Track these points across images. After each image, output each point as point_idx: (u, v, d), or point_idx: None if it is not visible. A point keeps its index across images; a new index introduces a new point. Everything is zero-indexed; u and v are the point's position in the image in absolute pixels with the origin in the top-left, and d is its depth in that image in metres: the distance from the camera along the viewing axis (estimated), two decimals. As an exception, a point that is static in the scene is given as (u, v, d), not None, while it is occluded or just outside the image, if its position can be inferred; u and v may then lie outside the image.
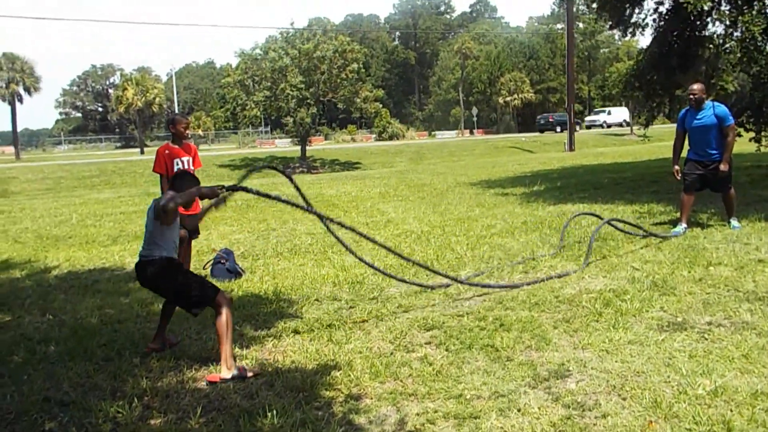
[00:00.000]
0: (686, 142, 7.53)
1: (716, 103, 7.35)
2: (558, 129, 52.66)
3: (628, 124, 59.13)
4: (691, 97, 7.30)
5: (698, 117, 7.23)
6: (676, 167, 7.60)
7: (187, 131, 6.30)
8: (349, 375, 3.81)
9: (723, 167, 7.14)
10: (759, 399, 3.17)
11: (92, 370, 4.09)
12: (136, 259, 4.21)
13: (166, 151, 6.18)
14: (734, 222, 7.36)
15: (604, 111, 64.47)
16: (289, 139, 46.72)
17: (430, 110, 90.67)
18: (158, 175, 6.33)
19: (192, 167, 6.24)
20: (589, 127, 60.06)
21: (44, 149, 76.98)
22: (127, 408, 3.47)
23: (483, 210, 10.46)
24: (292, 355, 4.24)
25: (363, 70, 35.92)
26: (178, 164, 6.15)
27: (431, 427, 3.13)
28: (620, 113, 62.31)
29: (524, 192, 12.70)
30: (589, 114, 67.72)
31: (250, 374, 3.88)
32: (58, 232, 10.90)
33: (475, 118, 67.45)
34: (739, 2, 10.62)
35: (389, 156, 36.93)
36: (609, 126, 59.84)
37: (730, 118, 7.24)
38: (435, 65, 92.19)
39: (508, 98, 72.32)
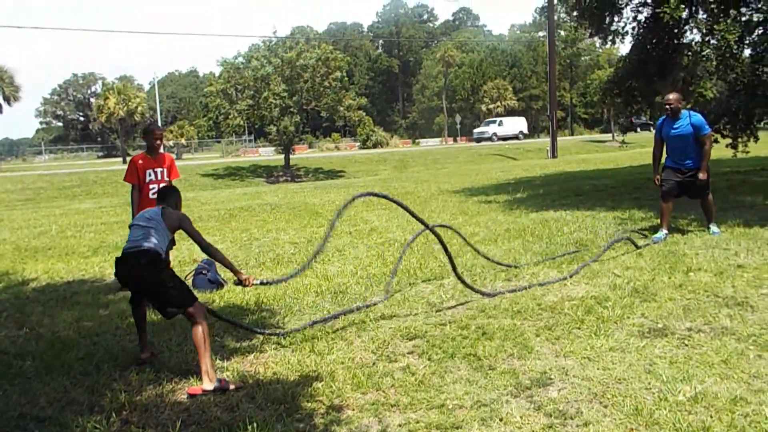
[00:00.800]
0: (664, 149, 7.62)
1: (692, 112, 7.42)
2: (638, 130, 50.26)
3: (525, 136, 52.14)
4: (667, 107, 7.38)
5: (675, 126, 7.31)
6: (657, 176, 7.66)
7: (159, 142, 6.22)
8: (331, 386, 3.78)
9: (702, 176, 7.21)
10: (738, 405, 3.19)
11: (69, 385, 4.02)
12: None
13: (140, 161, 6.11)
14: (714, 228, 7.43)
15: (494, 121, 56.03)
16: (273, 148, 46.61)
17: (414, 118, 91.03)
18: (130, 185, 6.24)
19: (167, 178, 6.18)
20: (478, 140, 53.10)
21: (24, 159, 76.09)
22: (105, 423, 3.42)
23: (466, 218, 10.48)
24: (273, 367, 4.20)
25: (346, 78, 35.99)
26: (150, 175, 6.07)
27: (413, 438, 3.11)
28: (515, 124, 53.97)
29: (507, 199, 12.75)
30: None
31: (231, 387, 3.84)
32: (37, 243, 10.74)
33: (458, 126, 67.79)
34: (715, 11, 10.78)
35: (373, 164, 36.94)
36: (502, 139, 51.67)
37: (707, 127, 7.32)
38: (418, 73, 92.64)
39: (491, 106, 72.80)
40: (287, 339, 4.71)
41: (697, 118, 7.30)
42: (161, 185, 6.07)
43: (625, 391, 3.45)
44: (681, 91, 12.68)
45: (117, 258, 4.18)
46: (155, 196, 6.01)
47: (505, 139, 51.06)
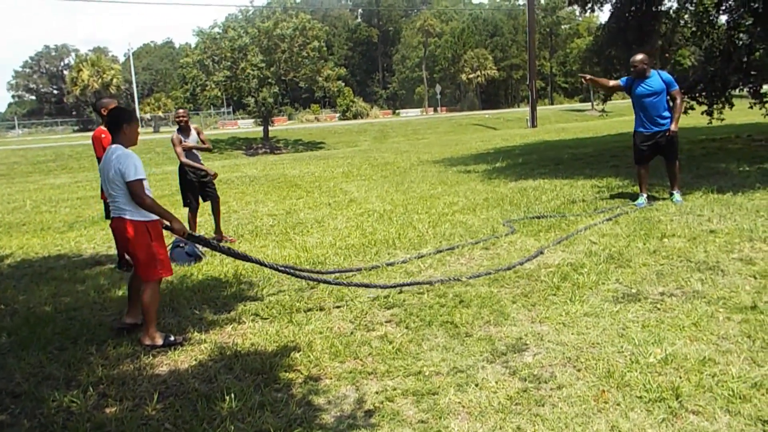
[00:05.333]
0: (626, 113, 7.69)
1: (660, 71, 7.51)
2: None
3: None
4: (633, 69, 7.40)
5: (646, 84, 7.34)
6: (589, 76, 7.77)
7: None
8: (309, 356, 3.80)
9: (673, 127, 7.29)
10: (707, 365, 3.26)
11: (45, 360, 4.00)
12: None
13: (103, 135, 5.98)
14: (677, 195, 7.49)
15: None
16: (252, 120, 46.11)
17: (394, 88, 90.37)
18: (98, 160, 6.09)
19: None
20: None
21: (-3, 134, 74.46)
22: (82, 397, 3.41)
23: (445, 188, 10.50)
24: (251, 338, 4.21)
25: (324, 49, 35.49)
26: None
27: (390, 404, 3.15)
28: None
29: (486, 169, 12.78)
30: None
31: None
32: (12, 219, 10.59)
33: (438, 96, 67.46)
34: (693, -23, 10.78)
35: (353, 135, 36.76)
36: None
37: (675, 83, 7.44)
38: (398, 43, 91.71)
39: (472, 75, 72.59)
40: (265, 311, 4.72)
41: (666, 75, 7.45)
42: None
43: (599, 354, 3.51)
44: (659, 58, 12.70)
45: None
46: None
47: None
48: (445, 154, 17.49)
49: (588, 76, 7.70)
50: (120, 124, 4.23)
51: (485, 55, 73.67)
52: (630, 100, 7.76)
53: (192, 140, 7.40)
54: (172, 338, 4.16)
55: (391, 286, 4.99)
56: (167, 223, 4.29)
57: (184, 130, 7.38)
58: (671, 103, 7.41)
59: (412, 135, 36.02)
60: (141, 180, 4.07)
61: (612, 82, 7.87)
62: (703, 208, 6.93)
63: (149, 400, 3.35)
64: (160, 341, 4.10)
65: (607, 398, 3.02)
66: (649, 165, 7.66)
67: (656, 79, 7.31)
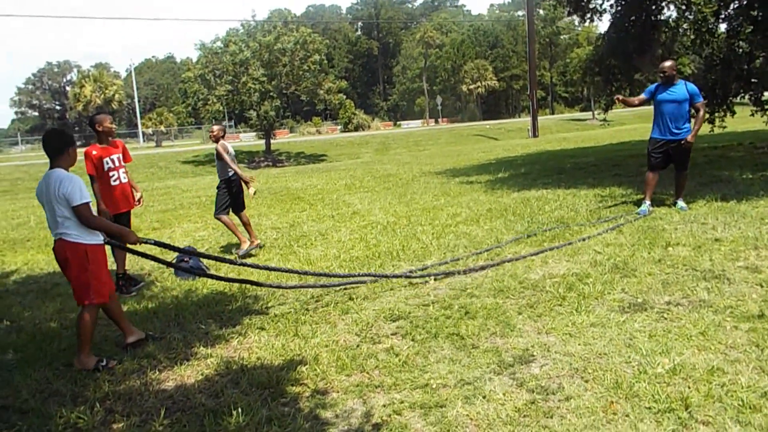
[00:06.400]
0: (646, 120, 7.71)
1: (687, 82, 7.58)
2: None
3: None
4: (661, 74, 7.47)
5: (671, 91, 7.41)
6: (620, 97, 7.95)
7: (102, 128, 6.09)
8: (316, 369, 3.79)
9: (690, 138, 7.35)
10: (715, 375, 3.25)
11: (52, 376, 4.00)
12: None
13: (94, 152, 5.98)
14: (681, 203, 7.57)
15: None
16: (254, 133, 46.25)
17: (395, 100, 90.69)
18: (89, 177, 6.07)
19: (123, 164, 6.14)
20: None
21: (0, 150, 74.76)
22: (89, 413, 3.41)
23: (448, 199, 10.50)
24: (257, 352, 4.20)
25: (325, 62, 35.61)
26: (107, 164, 5.99)
27: (397, 417, 3.14)
28: None
29: (489, 179, 12.78)
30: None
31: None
32: (16, 235, 10.60)
33: (439, 107, 67.64)
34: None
35: (355, 147, 36.85)
36: None
37: (701, 95, 7.51)
38: (398, 55, 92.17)
39: (472, 86, 72.84)
40: (271, 324, 4.72)
41: (693, 86, 7.51)
42: (120, 171, 6.06)
43: (606, 365, 3.50)
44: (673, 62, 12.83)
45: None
46: (117, 182, 6.02)
47: None
48: (447, 165, 17.51)
49: (620, 97, 7.86)
50: (62, 149, 4.21)
51: (485, 65, 73.99)
52: (632, 110, 7.81)
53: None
54: (104, 362, 4.10)
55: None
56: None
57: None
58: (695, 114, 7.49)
59: (413, 146, 36.09)
60: (87, 203, 4.10)
61: (638, 99, 7.90)
62: (708, 216, 6.93)
63: (156, 415, 3.35)
64: (91, 366, 4.07)
65: (616, 409, 3.01)
66: (659, 173, 7.67)
67: (681, 87, 7.38)
